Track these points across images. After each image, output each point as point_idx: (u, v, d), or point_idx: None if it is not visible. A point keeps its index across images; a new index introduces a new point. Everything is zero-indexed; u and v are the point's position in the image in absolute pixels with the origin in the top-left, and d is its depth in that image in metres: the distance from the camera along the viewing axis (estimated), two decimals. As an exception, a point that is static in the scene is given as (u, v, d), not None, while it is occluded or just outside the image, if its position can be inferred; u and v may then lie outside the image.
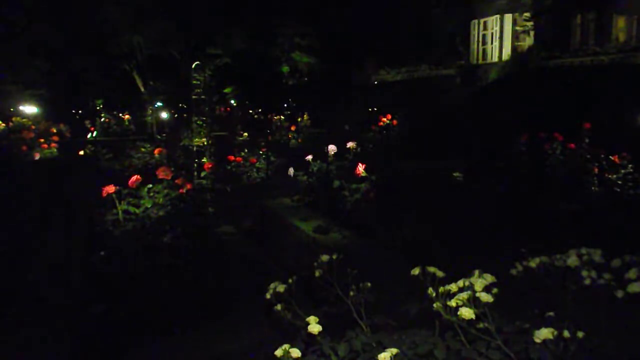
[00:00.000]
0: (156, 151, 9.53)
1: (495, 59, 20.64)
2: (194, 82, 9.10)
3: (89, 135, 18.05)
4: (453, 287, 1.81)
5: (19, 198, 6.39)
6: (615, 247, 2.34)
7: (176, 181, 5.08)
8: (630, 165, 6.46)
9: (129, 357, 3.50)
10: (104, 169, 10.67)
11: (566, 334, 1.56)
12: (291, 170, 7.33)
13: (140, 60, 21.65)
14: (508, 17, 20.24)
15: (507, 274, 2.32)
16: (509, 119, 10.67)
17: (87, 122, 20.31)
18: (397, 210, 5.22)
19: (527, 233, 4.05)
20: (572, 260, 2.24)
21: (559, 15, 18.33)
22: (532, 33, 19.25)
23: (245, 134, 16.20)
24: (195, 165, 8.66)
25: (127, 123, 21.40)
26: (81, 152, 12.49)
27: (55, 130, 15.73)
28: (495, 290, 1.77)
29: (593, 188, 6.43)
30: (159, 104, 22.88)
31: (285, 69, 23.37)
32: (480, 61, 21.40)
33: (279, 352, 1.80)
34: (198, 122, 9.07)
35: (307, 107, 20.58)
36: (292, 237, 5.46)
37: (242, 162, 10.12)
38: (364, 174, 6.02)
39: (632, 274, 2.07)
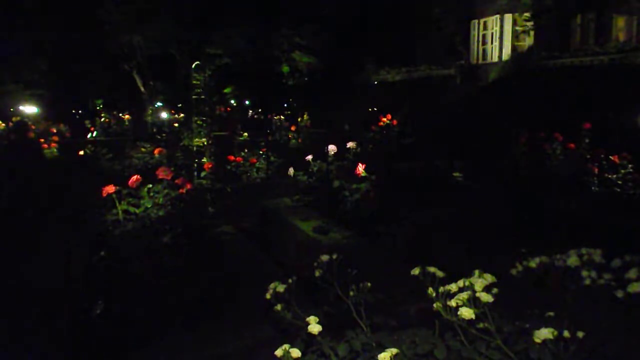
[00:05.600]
0: (156, 151, 9.53)
1: (495, 59, 20.64)
2: (194, 82, 9.10)
3: (89, 135, 18.05)
4: (453, 287, 1.81)
5: (19, 197, 6.39)
6: (615, 247, 2.34)
7: (176, 181, 5.08)
8: (630, 165, 6.47)
9: (129, 357, 3.50)
10: (104, 169, 10.68)
11: (566, 334, 1.56)
12: (291, 170, 7.32)
13: (140, 60, 21.65)
14: (508, 17, 20.25)
15: (507, 274, 2.32)
16: (508, 119, 10.67)
17: (87, 122, 20.31)
18: (397, 211, 5.22)
19: (527, 233, 4.05)
20: (572, 260, 2.24)
21: (559, 15, 18.33)
22: (532, 33, 19.26)
23: (245, 134, 16.20)
24: (195, 165, 8.66)
25: (127, 123, 21.40)
26: (81, 152, 12.49)
27: (55, 130, 15.76)
28: (495, 290, 1.77)
29: (593, 188, 6.43)
30: (159, 104, 22.88)
31: (286, 69, 23.36)
32: (480, 61, 21.40)
33: (279, 352, 1.80)
34: (198, 122, 9.07)
35: (307, 107, 20.58)
36: (292, 237, 5.46)
37: (242, 162, 10.12)
38: (364, 174, 6.02)
39: (632, 274, 2.07)
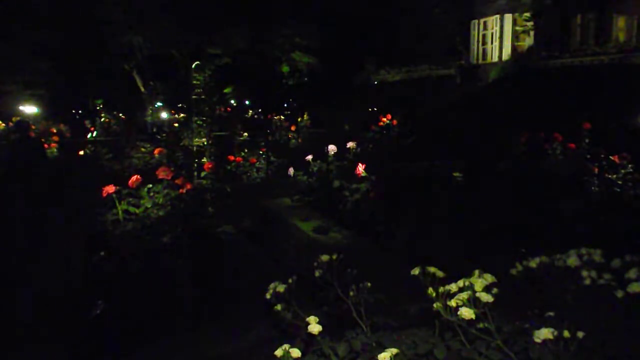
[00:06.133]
0: (156, 151, 9.52)
1: (495, 58, 20.65)
2: (194, 82, 9.10)
3: (89, 135, 18.03)
4: (453, 287, 1.81)
5: (19, 197, 6.39)
6: (615, 247, 2.34)
7: (176, 181, 5.08)
8: (630, 165, 6.45)
9: (129, 357, 3.50)
10: (104, 169, 10.67)
11: (566, 334, 1.56)
12: (291, 170, 7.32)
13: (140, 60, 21.64)
14: (508, 17, 20.25)
15: (507, 274, 2.32)
16: (508, 119, 10.67)
17: (87, 122, 20.28)
18: (397, 210, 5.22)
19: (527, 233, 4.05)
20: (572, 260, 2.24)
21: (559, 15, 18.34)
22: (532, 33, 19.27)
23: (245, 134, 16.19)
24: (195, 165, 8.66)
25: (126, 123, 21.35)
26: (81, 152, 12.48)
27: (55, 130, 15.74)
28: (495, 290, 1.77)
29: (593, 188, 6.42)
30: (159, 104, 22.87)
31: (285, 69, 23.37)
32: (480, 61, 21.41)
33: (279, 352, 1.80)
34: (198, 122, 9.08)
35: (307, 107, 20.58)
36: (292, 237, 5.46)
37: (242, 162, 10.12)
38: (364, 174, 6.02)
39: (632, 274, 2.07)
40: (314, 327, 1.90)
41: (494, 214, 4.76)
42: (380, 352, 1.71)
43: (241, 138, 15.14)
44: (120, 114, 22.68)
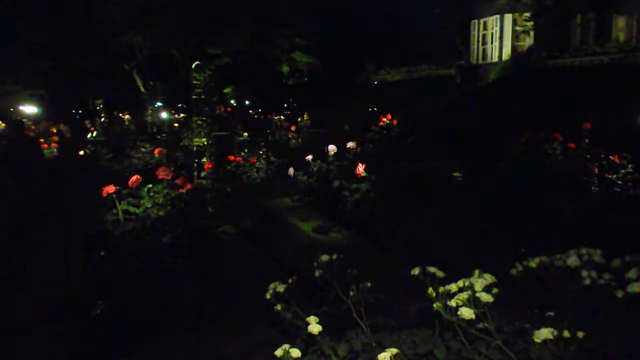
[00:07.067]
0: (156, 151, 9.52)
1: (495, 59, 20.65)
2: (194, 82, 9.10)
3: (89, 135, 18.01)
4: (453, 287, 1.81)
5: (19, 197, 6.39)
6: (615, 247, 2.34)
7: (176, 181, 5.08)
8: (630, 165, 6.45)
9: (129, 357, 3.50)
10: (104, 169, 10.67)
11: (566, 334, 1.56)
12: (291, 170, 7.33)
13: (140, 60, 21.64)
14: (508, 17, 20.26)
15: (507, 274, 2.32)
16: (509, 119, 10.67)
17: (87, 122, 20.28)
18: (397, 210, 5.22)
19: (527, 233, 4.05)
20: (572, 260, 2.24)
21: (559, 15, 18.34)
22: (532, 33, 19.28)
23: (245, 134, 16.18)
24: (195, 165, 8.66)
25: (127, 123, 21.36)
26: (81, 152, 12.48)
27: (55, 130, 15.75)
28: (495, 290, 1.77)
29: (593, 188, 6.42)
30: (159, 104, 22.87)
31: (285, 69, 23.38)
32: (480, 61, 21.41)
33: (279, 352, 1.80)
34: (198, 122, 9.08)
35: (307, 107, 20.58)
36: (292, 237, 5.46)
37: (242, 162, 10.12)
38: (364, 174, 6.02)
39: (632, 274, 2.07)
40: (314, 327, 1.90)
41: (494, 214, 4.76)
42: (380, 352, 1.71)
43: (241, 138, 15.14)
44: (121, 114, 22.69)
